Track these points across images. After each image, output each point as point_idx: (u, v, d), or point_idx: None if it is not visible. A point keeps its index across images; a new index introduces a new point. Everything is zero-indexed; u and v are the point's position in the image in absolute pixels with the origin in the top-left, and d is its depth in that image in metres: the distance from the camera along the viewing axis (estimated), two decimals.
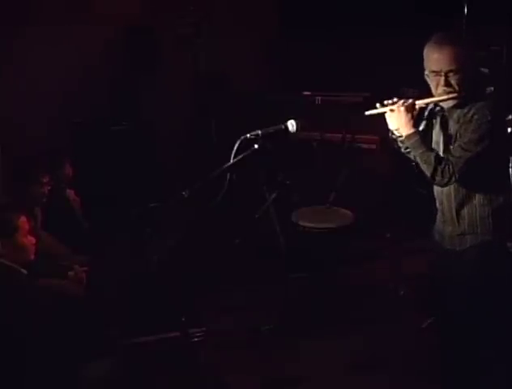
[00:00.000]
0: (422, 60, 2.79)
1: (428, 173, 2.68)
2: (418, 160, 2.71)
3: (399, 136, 2.78)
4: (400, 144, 2.84)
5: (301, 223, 4.33)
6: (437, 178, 2.66)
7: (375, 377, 3.58)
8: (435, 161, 2.65)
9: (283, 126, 2.79)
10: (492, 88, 3.33)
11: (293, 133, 2.78)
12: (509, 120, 4.04)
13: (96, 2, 5.38)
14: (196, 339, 3.25)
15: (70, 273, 3.50)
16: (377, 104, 2.78)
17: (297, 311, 4.09)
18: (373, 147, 5.60)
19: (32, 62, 4.97)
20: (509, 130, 4.02)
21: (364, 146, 5.58)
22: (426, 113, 2.89)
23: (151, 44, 5.61)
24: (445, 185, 2.70)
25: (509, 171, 3.01)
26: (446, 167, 2.64)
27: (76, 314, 3.15)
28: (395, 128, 2.76)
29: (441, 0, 4.98)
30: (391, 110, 2.73)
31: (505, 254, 2.95)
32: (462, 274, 2.85)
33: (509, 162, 3.31)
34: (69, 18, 5.14)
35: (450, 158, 2.66)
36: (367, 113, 2.83)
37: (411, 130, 2.69)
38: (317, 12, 6.12)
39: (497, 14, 4.84)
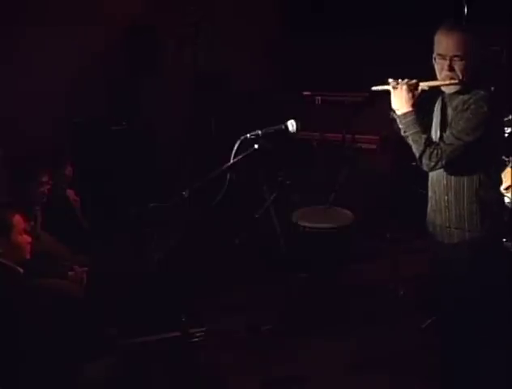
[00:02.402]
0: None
1: (416, 154, 2.74)
2: (410, 140, 2.76)
3: (399, 115, 2.82)
4: (399, 124, 2.85)
5: (301, 223, 4.32)
6: (424, 161, 2.72)
7: (375, 377, 3.58)
8: (425, 143, 2.71)
9: (283, 126, 2.79)
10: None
11: (293, 133, 2.78)
12: (509, 120, 4.05)
13: (96, 3, 5.38)
14: (196, 339, 3.25)
15: (70, 273, 3.51)
16: (388, 80, 2.85)
17: (297, 311, 4.09)
18: (373, 147, 5.61)
19: (33, 62, 4.96)
20: (508, 130, 4.03)
21: (364, 146, 5.59)
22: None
23: (151, 44, 5.61)
24: (432, 169, 2.75)
25: (501, 170, 3.02)
26: (435, 151, 2.69)
27: (76, 314, 3.15)
28: (396, 107, 2.80)
29: (441, 0, 4.98)
30: (394, 88, 2.79)
31: (500, 253, 2.96)
32: (453, 272, 2.86)
33: (503, 161, 3.32)
34: (69, 18, 5.14)
35: (441, 144, 2.71)
36: (373, 88, 2.89)
37: (408, 109, 2.76)
38: (318, 13, 6.13)
39: (497, 14, 4.84)
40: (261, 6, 6.43)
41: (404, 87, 2.76)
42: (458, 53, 2.69)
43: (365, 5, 5.81)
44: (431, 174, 2.92)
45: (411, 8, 5.43)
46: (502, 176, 3.33)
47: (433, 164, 2.71)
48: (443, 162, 2.70)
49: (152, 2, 5.72)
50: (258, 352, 3.72)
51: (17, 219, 3.01)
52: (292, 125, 2.78)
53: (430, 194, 2.97)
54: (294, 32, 6.36)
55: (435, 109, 2.93)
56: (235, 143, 2.73)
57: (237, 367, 3.64)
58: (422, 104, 2.85)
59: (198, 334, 3.26)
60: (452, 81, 2.73)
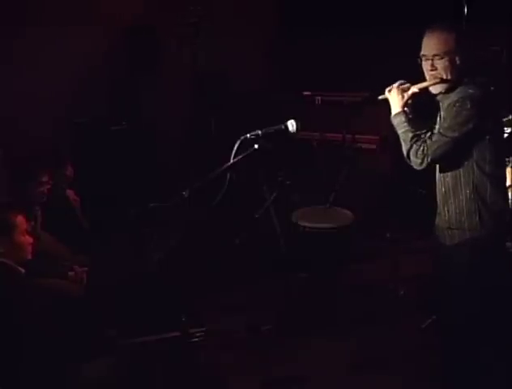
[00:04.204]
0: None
1: (404, 152, 2.81)
2: (400, 139, 2.84)
3: (391, 117, 2.90)
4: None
5: (301, 223, 4.32)
6: (412, 157, 2.78)
7: (375, 377, 3.58)
8: (411, 140, 2.78)
9: (283, 126, 2.79)
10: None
11: (293, 133, 2.78)
12: (509, 120, 4.05)
13: (96, 3, 5.38)
14: (196, 339, 3.25)
15: (70, 273, 3.50)
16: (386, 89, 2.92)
17: (297, 311, 4.09)
18: (373, 147, 5.61)
19: (33, 62, 4.96)
20: (508, 130, 4.03)
21: (364, 146, 5.59)
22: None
23: (151, 44, 5.61)
24: (419, 165, 2.78)
25: (503, 170, 3.02)
26: (421, 148, 2.74)
27: (76, 314, 3.15)
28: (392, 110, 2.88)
29: (442, 0, 4.98)
30: (389, 91, 2.88)
31: (501, 253, 2.96)
32: (454, 273, 2.87)
33: (504, 161, 3.31)
34: (69, 18, 5.14)
35: (427, 140, 2.76)
36: (380, 97, 2.95)
37: (398, 110, 2.85)
38: (317, 12, 6.13)
39: (497, 14, 4.84)
40: (260, 6, 6.43)
41: (395, 89, 2.85)
42: (438, 52, 2.74)
43: (364, 4, 5.80)
44: (436, 177, 2.94)
45: (411, 8, 5.43)
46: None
47: (419, 160, 2.75)
48: (429, 159, 2.73)
49: (152, 2, 5.72)
50: (258, 352, 3.72)
51: (20, 219, 3.02)
52: (292, 125, 2.78)
53: (437, 197, 2.99)
54: (293, 32, 6.36)
55: (437, 117, 2.95)
56: (235, 143, 2.73)
57: (237, 367, 3.64)
58: (418, 108, 2.89)
59: (198, 334, 3.26)
60: (436, 80, 2.78)
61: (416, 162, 2.77)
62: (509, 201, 3.77)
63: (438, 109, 2.93)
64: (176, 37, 5.64)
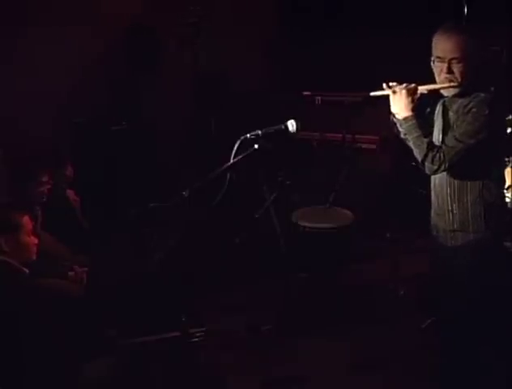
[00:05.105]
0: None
1: (419, 158, 2.73)
2: (412, 144, 2.75)
3: (399, 120, 2.80)
4: (399, 128, 2.83)
5: (301, 223, 4.33)
6: (427, 164, 2.70)
7: (375, 377, 3.58)
8: (427, 147, 2.69)
9: (283, 126, 2.79)
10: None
11: (293, 133, 2.78)
12: (509, 120, 4.05)
13: (96, 2, 5.38)
14: (196, 339, 3.25)
15: (70, 273, 3.51)
16: (384, 85, 2.82)
17: (297, 311, 4.09)
18: (373, 147, 5.61)
19: (33, 62, 4.96)
20: (509, 130, 4.03)
21: (364, 146, 5.59)
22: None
23: (151, 44, 5.61)
24: (435, 172, 2.74)
25: (503, 170, 3.02)
26: (438, 154, 2.67)
27: (76, 314, 3.15)
28: (396, 111, 2.78)
29: (441, 0, 4.98)
30: (394, 92, 2.76)
31: (502, 253, 2.96)
32: (455, 273, 2.86)
33: (504, 162, 3.32)
34: (69, 18, 5.14)
35: (443, 147, 2.70)
36: (372, 93, 2.87)
37: (409, 113, 2.73)
38: (316, 12, 6.13)
39: (497, 14, 4.84)
40: (260, 6, 6.43)
41: (403, 91, 2.73)
42: (457, 56, 2.68)
43: (364, 4, 5.80)
44: (433, 178, 2.92)
45: (411, 8, 5.43)
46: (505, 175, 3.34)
47: (436, 167, 2.69)
48: (446, 165, 2.68)
49: (152, 2, 5.71)
50: (258, 352, 3.72)
51: (26, 220, 3.03)
52: (292, 125, 2.78)
53: (433, 198, 2.96)
54: (293, 31, 6.36)
55: (436, 113, 2.92)
56: (235, 143, 2.73)
57: (237, 367, 3.64)
58: (419, 108, 2.85)
59: (198, 334, 3.26)
60: (451, 84, 2.73)
61: (432, 168, 2.70)
62: (509, 201, 3.79)
63: (433, 111, 2.91)
64: (176, 37, 5.64)
